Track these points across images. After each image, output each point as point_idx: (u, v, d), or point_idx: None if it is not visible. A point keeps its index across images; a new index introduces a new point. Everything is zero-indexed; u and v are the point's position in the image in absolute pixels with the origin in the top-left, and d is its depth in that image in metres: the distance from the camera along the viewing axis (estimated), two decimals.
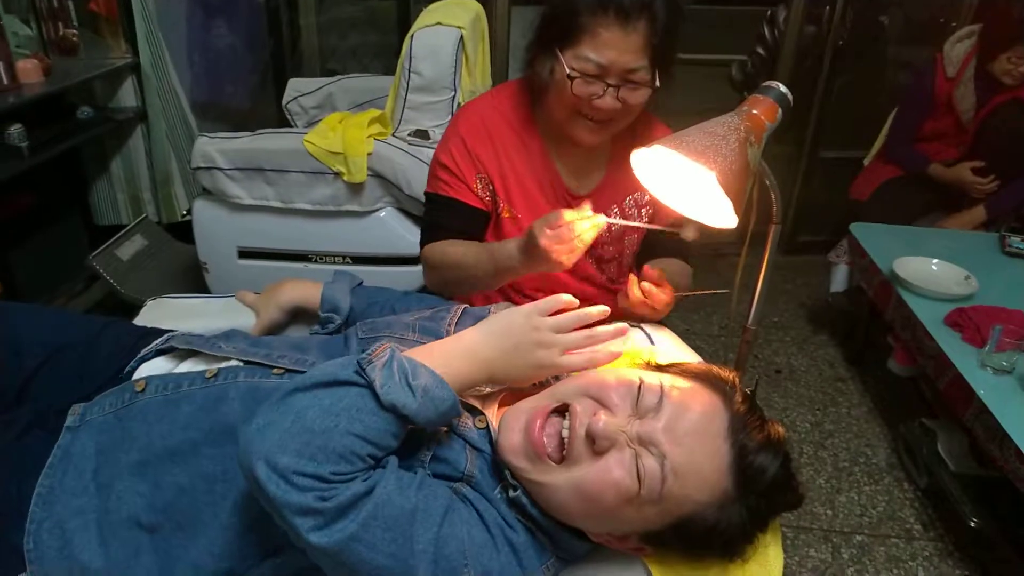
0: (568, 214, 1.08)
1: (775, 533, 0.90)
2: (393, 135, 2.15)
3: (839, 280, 2.77)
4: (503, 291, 1.47)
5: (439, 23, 2.05)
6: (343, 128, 2.11)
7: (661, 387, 0.82)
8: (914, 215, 2.74)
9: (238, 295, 1.36)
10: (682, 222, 1.10)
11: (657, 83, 1.21)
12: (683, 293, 1.27)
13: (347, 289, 1.24)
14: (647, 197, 1.42)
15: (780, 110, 1.00)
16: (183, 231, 2.69)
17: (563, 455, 0.81)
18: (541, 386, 0.93)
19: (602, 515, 0.81)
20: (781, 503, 0.87)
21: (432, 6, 2.25)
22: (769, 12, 3.14)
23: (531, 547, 0.82)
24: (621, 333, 0.88)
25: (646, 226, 1.24)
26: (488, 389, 0.93)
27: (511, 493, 0.83)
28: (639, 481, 0.77)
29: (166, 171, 2.87)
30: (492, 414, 0.91)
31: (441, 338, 0.97)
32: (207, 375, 0.93)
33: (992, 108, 2.60)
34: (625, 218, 1.42)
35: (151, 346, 1.05)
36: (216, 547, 0.83)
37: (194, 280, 2.54)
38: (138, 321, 1.33)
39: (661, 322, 1.44)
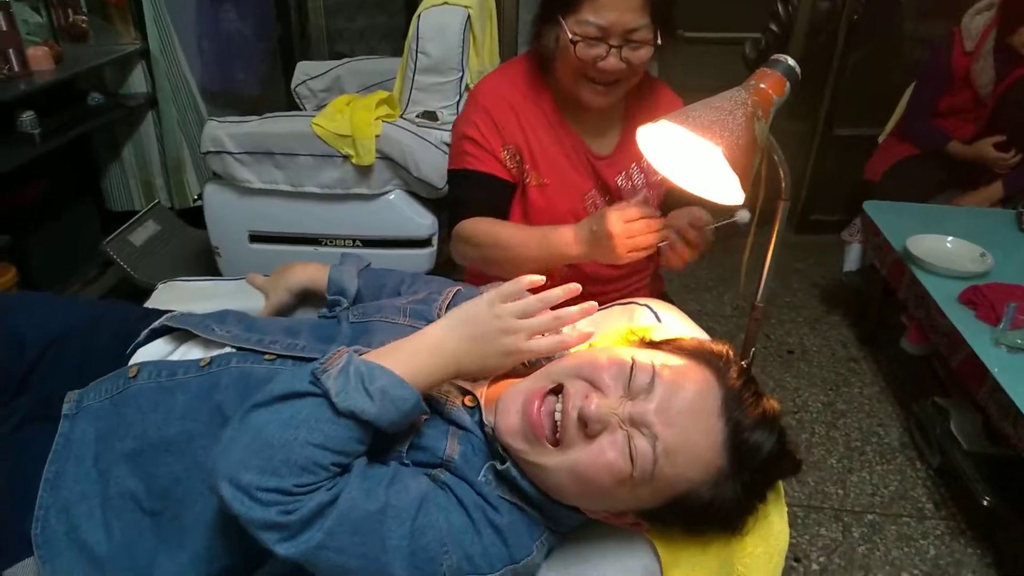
0: (639, 211, 1.11)
1: (778, 504, 0.90)
2: (401, 117, 2.15)
3: (852, 259, 2.75)
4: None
5: (446, 2, 2.04)
6: (351, 111, 2.10)
7: (653, 367, 0.82)
8: (929, 193, 2.71)
9: (248, 277, 1.36)
10: (733, 209, 1.10)
11: (659, 41, 1.24)
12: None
13: (355, 271, 1.23)
14: None
15: (788, 84, 0.99)
16: (195, 216, 2.71)
17: (557, 437, 0.81)
18: (534, 367, 0.93)
19: (597, 495, 0.81)
20: (778, 473, 0.88)
21: None
22: None
23: (520, 525, 0.83)
24: (589, 312, 0.86)
25: (699, 198, 1.24)
26: (461, 383, 0.92)
27: (499, 466, 0.83)
28: (632, 462, 0.77)
29: (177, 157, 2.89)
30: (481, 394, 0.90)
31: (432, 321, 0.97)
32: (201, 364, 0.93)
33: (1012, 82, 2.56)
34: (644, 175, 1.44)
35: (150, 327, 1.05)
36: (213, 544, 0.83)
37: (207, 265, 2.55)
38: (149, 303, 1.34)
39: (671, 300, 1.45)
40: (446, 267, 2.40)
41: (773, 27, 2.94)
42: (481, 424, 0.87)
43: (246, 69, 3.09)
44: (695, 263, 1.62)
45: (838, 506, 2.05)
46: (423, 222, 2.21)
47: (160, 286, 1.45)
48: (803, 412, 2.42)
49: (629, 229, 1.11)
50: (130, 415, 0.90)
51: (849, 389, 2.54)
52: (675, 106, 1.51)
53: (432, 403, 0.87)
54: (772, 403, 0.86)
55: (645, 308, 1.17)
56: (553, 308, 0.86)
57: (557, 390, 0.83)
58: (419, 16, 2.04)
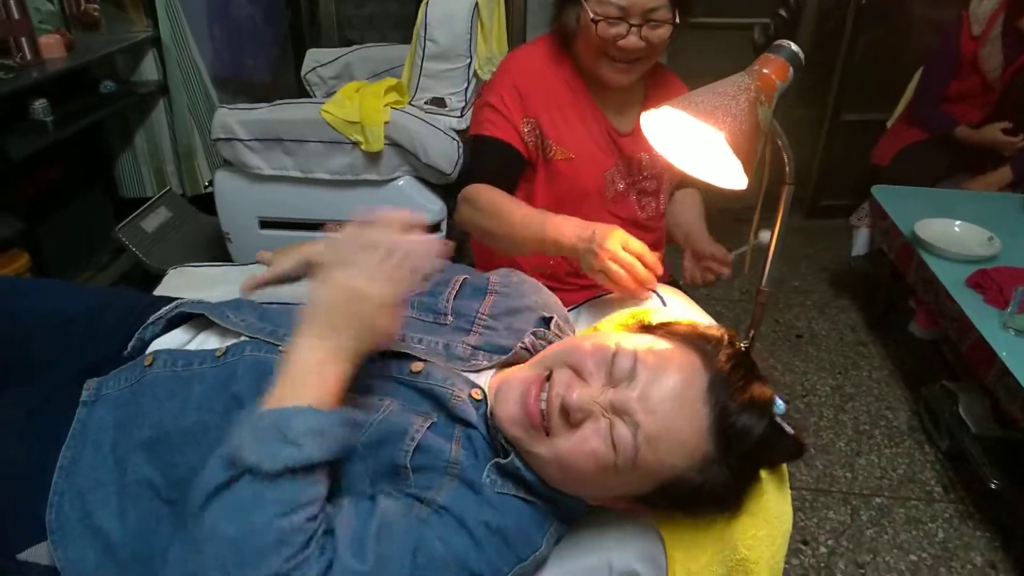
0: (640, 249, 1.13)
1: (782, 487, 0.91)
2: (410, 103, 2.16)
3: (861, 244, 2.75)
4: None
5: None
6: (360, 97, 2.11)
7: (635, 353, 0.81)
8: (937, 178, 2.70)
9: (258, 255, 1.37)
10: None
11: (677, 20, 1.28)
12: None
13: None
14: None
15: (791, 69, 1.00)
16: (206, 203, 2.73)
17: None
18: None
19: (587, 483, 0.81)
20: (773, 456, 0.87)
21: None
22: None
23: (525, 521, 0.82)
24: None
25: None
26: (467, 374, 0.91)
27: (502, 460, 0.82)
28: (614, 450, 0.77)
29: (189, 143, 2.91)
30: (487, 386, 0.90)
31: (442, 313, 0.97)
32: (217, 354, 0.93)
33: (1020, 66, 2.54)
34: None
35: (159, 313, 1.04)
36: None
37: (217, 250, 2.58)
38: (160, 289, 1.35)
39: (678, 285, 1.46)
40: (455, 252, 2.41)
41: (782, 12, 2.93)
42: (487, 417, 0.86)
43: (256, 56, 3.10)
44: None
45: (846, 489, 2.06)
46: (432, 207, 2.22)
47: (171, 272, 1.46)
48: (812, 396, 2.43)
49: (617, 255, 1.12)
50: (147, 404, 0.89)
51: (858, 373, 2.55)
52: (682, 90, 1.53)
53: (437, 399, 0.87)
54: (763, 387, 0.84)
55: (651, 292, 1.18)
56: None
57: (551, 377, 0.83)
58: (427, 4, 2.05)
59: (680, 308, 1.15)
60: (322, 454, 0.71)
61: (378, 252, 0.79)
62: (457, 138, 2.11)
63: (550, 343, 0.96)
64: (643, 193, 1.54)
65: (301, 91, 2.77)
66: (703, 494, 0.81)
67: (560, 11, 1.39)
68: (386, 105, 2.10)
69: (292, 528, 0.69)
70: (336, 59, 2.68)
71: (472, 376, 0.91)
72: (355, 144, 2.11)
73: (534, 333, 0.97)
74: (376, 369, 0.90)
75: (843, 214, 2.96)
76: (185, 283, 1.39)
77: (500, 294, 1.02)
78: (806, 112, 3.44)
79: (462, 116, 2.17)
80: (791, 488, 0.92)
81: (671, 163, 1.14)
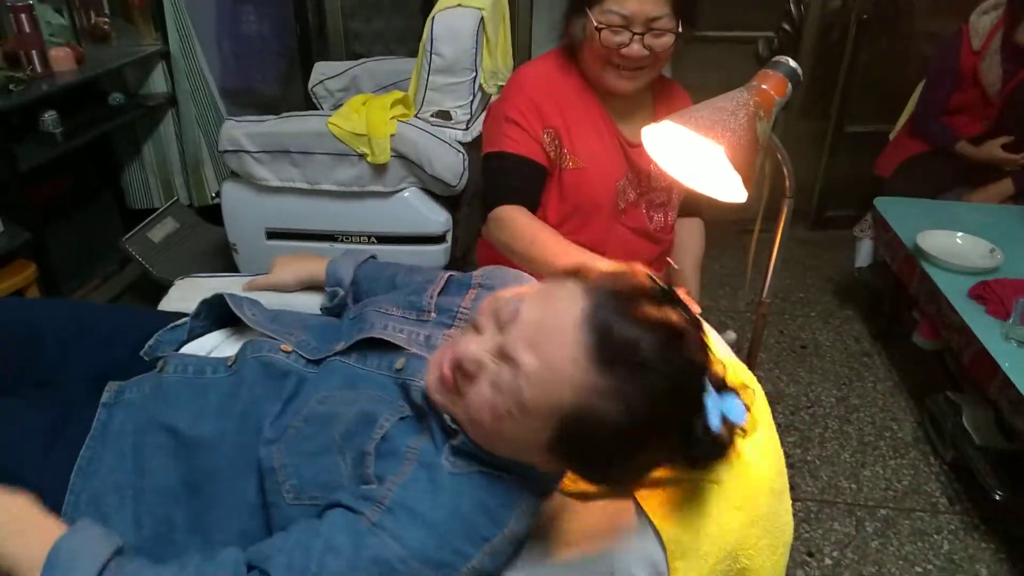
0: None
1: (783, 497, 0.91)
2: (416, 116, 2.18)
3: (864, 255, 2.75)
4: None
5: (459, 5, 2.07)
6: (367, 110, 2.13)
7: (520, 295, 0.79)
8: (939, 189, 2.70)
9: (248, 284, 1.39)
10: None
11: (680, 29, 1.32)
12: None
13: (351, 264, 1.25)
14: None
15: (790, 84, 1.01)
16: (213, 214, 2.75)
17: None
18: None
19: (498, 438, 0.78)
20: (679, 378, 0.75)
21: None
22: None
23: (489, 499, 0.79)
24: None
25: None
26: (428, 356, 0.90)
27: (455, 441, 0.80)
28: (501, 395, 0.75)
29: (196, 155, 2.93)
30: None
31: (425, 310, 0.98)
32: (228, 363, 0.95)
33: (1019, 81, 2.55)
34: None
35: (178, 322, 1.07)
36: (242, 541, 0.83)
37: (224, 261, 2.59)
38: (166, 299, 1.37)
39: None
40: (460, 263, 2.42)
41: (785, 26, 2.95)
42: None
43: (264, 69, 3.14)
44: (705, 258, 1.67)
45: (851, 500, 2.06)
46: (437, 219, 2.24)
47: (177, 282, 1.48)
48: (816, 407, 2.43)
49: None
50: (165, 411, 0.91)
51: (862, 384, 2.55)
52: (687, 104, 1.55)
53: (404, 388, 0.87)
54: (668, 310, 0.76)
55: None
56: None
57: None
58: (433, 18, 2.07)
59: None
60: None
61: None
62: (462, 150, 2.13)
63: None
64: (653, 205, 1.55)
65: (308, 103, 2.79)
66: (601, 437, 0.74)
67: (568, 24, 1.42)
68: (392, 118, 2.12)
69: None
70: (343, 72, 2.71)
71: (428, 355, 0.90)
72: (361, 156, 2.13)
73: None
74: (361, 364, 0.92)
75: (847, 225, 2.97)
76: (191, 293, 1.39)
77: (483, 287, 1.03)
78: (809, 124, 3.45)
79: (467, 129, 2.19)
80: (795, 500, 0.93)
81: (673, 176, 1.15)
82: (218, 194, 2.42)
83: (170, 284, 1.49)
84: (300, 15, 3.16)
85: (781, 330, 2.84)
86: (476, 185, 2.19)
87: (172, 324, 1.06)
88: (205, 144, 2.92)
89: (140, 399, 0.94)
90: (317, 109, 2.72)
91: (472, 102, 2.18)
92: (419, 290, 1.04)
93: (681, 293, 0.83)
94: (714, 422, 0.77)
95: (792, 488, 2.05)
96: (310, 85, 2.74)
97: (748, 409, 0.81)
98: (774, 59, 1.03)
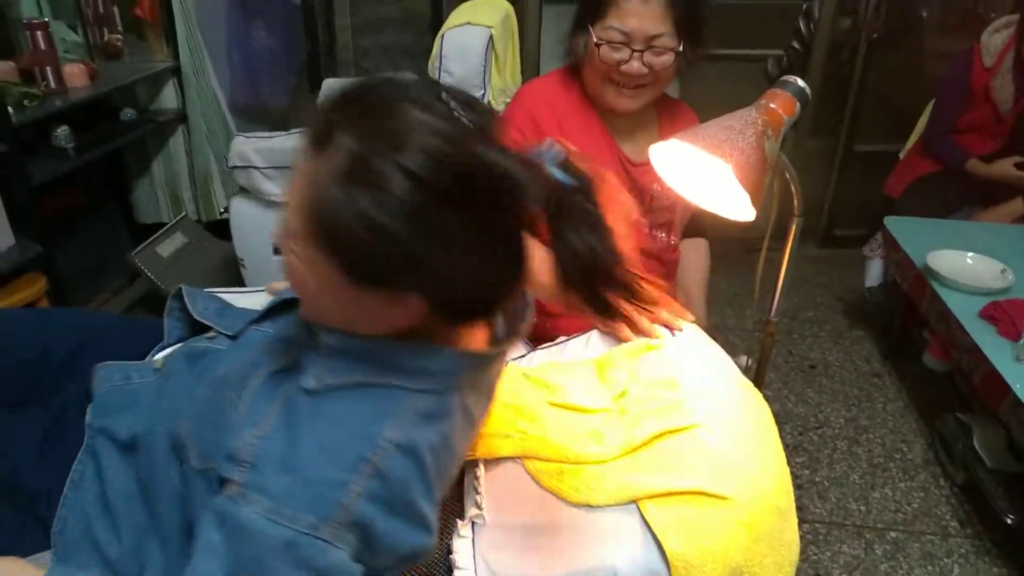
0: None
1: (789, 515, 0.89)
2: None
3: (874, 274, 2.74)
4: None
5: (469, 22, 2.08)
6: None
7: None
8: (950, 209, 2.69)
9: (267, 286, 1.40)
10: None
11: (681, 48, 1.32)
12: None
13: None
14: None
15: (798, 104, 1.01)
16: (221, 229, 2.76)
17: None
18: None
19: (318, 301, 0.75)
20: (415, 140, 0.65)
21: (463, 6, 2.28)
22: (805, 6, 3.11)
23: (360, 411, 0.71)
24: None
25: None
26: None
27: (324, 339, 0.76)
28: (292, 247, 0.72)
29: (205, 170, 2.95)
30: None
31: None
32: (155, 367, 0.97)
33: None
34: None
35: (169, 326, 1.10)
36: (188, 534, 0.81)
37: (232, 276, 2.60)
38: None
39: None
40: None
41: (795, 44, 2.96)
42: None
43: (274, 85, 3.16)
44: (714, 276, 1.66)
45: (860, 522, 2.03)
46: None
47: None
48: (825, 427, 2.41)
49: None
50: (104, 420, 0.93)
51: (872, 404, 2.53)
52: (693, 123, 1.55)
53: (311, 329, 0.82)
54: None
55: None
56: None
57: None
58: (443, 36, 2.08)
59: (691, 338, 1.15)
60: None
61: None
62: None
63: None
64: (655, 224, 1.55)
65: None
66: (368, 237, 0.66)
67: (572, 42, 1.43)
68: None
69: None
70: None
71: None
72: None
73: None
74: (271, 327, 0.94)
75: (857, 244, 2.96)
76: None
77: None
78: (819, 143, 3.45)
79: None
80: (803, 521, 0.91)
81: (681, 195, 1.15)
82: (226, 209, 2.43)
83: None
84: (310, 32, 3.19)
85: (790, 349, 2.82)
86: None
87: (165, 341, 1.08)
88: (214, 159, 2.94)
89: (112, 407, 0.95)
90: None
91: None
92: None
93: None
94: (554, 171, 0.74)
95: (800, 509, 2.03)
96: (319, 101, 2.75)
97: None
98: (783, 78, 1.03)
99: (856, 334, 2.95)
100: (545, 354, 1.25)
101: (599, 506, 0.90)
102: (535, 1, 2.91)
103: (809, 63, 3.15)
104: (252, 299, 1.37)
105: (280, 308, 0.96)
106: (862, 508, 2.08)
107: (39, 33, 2.26)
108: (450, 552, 0.93)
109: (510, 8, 2.37)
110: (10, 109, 2.09)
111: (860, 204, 3.38)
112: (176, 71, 2.80)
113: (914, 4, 3.27)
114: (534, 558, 0.86)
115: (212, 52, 2.84)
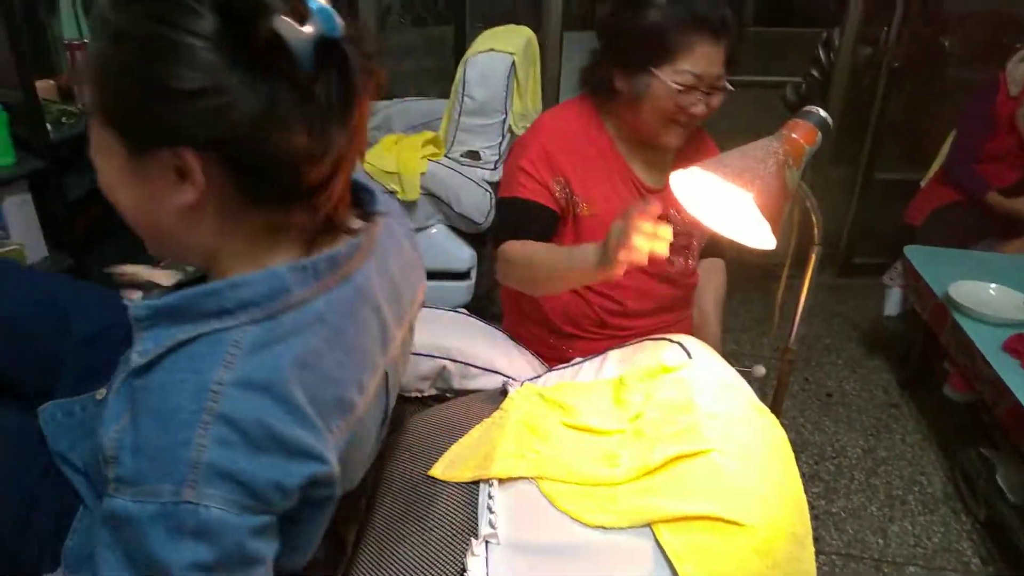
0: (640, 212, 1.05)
1: (806, 542, 0.89)
2: (446, 156, 2.22)
3: (893, 303, 2.72)
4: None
5: (492, 49, 2.12)
6: (398, 149, 2.18)
7: None
8: (971, 239, 2.68)
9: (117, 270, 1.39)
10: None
11: (728, 86, 1.36)
12: None
13: None
14: None
15: (819, 134, 1.02)
16: None
17: None
18: None
19: (136, 210, 0.78)
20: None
21: (486, 32, 2.32)
22: (825, 34, 3.13)
23: (181, 368, 0.67)
24: None
25: None
26: None
27: (133, 312, 0.71)
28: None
29: None
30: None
31: None
32: (97, 398, 0.97)
33: None
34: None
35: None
36: None
37: None
38: None
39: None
40: (484, 300, 2.44)
41: (814, 72, 2.97)
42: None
43: None
44: (732, 302, 1.66)
45: (878, 556, 2.01)
46: (463, 256, 2.27)
47: None
48: (842, 457, 2.38)
49: (626, 230, 1.06)
50: (72, 454, 0.95)
51: (890, 435, 2.50)
52: (712, 148, 1.57)
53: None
54: None
55: (676, 345, 1.19)
56: None
57: None
58: (466, 61, 2.12)
59: (707, 361, 1.16)
60: None
61: None
62: (490, 189, 2.17)
63: None
64: (673, 248, 1.55)
65: None
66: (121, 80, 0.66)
67: (608, 78, 1.42)
68: (423, 157, 2.16)
69: None
70: (376, 111, 2.77)
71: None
72: (392, 193, 2.17)
73: None
74: None
75: (876, 273, 2.95)
76: None
77: None
78: (840, 171, 3.45)
79: (495, 168, 2.23)
80: (819, 552, 0.90)
81: (701, 222, 1.16)
82: None
83: None
84: None
85: (807, 377, 2.81)
86: None
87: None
88: None
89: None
90: None
91: (501, 143, 2.22)
92: None
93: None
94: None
95: (816, 540, 2.01)
96: None
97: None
98: (805, 108, 1.04)
99: (873, 363, 2.92)
100: (559, 375, 1.25)
101: (613, 528, 0.89)
102: (556, 29, 2.95)
103: (829, 91, 3.16)
104: None
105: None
106: (880, 541, 2.06)
107: (78, 53, 2.32)
108: (464, 571, 0.93)
109: (532, 35, 2.41)
110: (49, 126, 2.14)
111: (880, 233, 3.37)
112: None
113: (936, 34, 3.28)
114: None
115: None
